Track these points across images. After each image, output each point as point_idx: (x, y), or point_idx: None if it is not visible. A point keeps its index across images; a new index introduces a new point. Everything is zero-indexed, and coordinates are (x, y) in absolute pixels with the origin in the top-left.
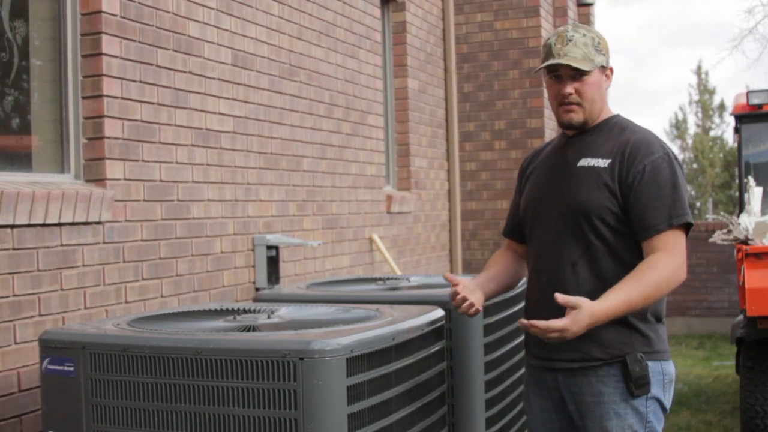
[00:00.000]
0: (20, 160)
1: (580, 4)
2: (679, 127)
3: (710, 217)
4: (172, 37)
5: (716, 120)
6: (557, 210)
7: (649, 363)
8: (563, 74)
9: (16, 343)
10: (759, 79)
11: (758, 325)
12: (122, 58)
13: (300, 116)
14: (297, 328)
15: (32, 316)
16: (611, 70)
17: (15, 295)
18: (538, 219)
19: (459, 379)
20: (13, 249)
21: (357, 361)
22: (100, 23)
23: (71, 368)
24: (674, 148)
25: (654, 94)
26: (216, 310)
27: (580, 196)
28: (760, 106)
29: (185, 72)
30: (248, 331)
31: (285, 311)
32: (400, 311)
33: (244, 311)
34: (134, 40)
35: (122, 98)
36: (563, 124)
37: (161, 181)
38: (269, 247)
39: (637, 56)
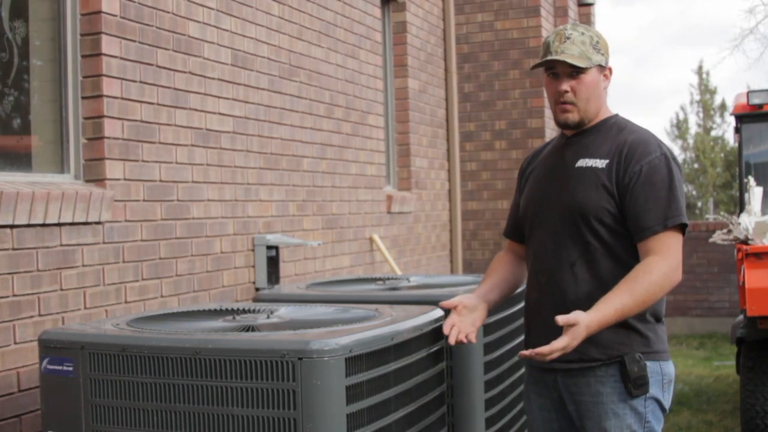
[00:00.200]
0: (20, 160)
1: (580, 4)
2: (680, 127)
3: (711, 217)
4: (172, 37)
5: (717, 120)
6: (556, 210)
7: (648, 363)
8: (560, 72)
9: (15, 343)
10: (760, 79)
11: (758, 325)
12: (122, 59)
13: (300, 116)
14: (296, 328)
15: (32, 316)
16: (610, 70)
17: (15, 295)
18: (537, 219)
19: (458, 378)
20: (13, 249)
21: (356, 361)
22: (99, 23)
23: (70, 368)
24: (675, 148)
25: (655, 94)
26: (215, 310)
27: (577, 197)
28: (760, 106)
29: (185, 72)
30: (247, 331)
31: (284, 311)
32: (400, 311)
33: (244, 311)
34: (134, 41)
35: (122, 98)
36: (559, 124)
37: (161, 181)
38: (269, 247)
39: (639, 56)
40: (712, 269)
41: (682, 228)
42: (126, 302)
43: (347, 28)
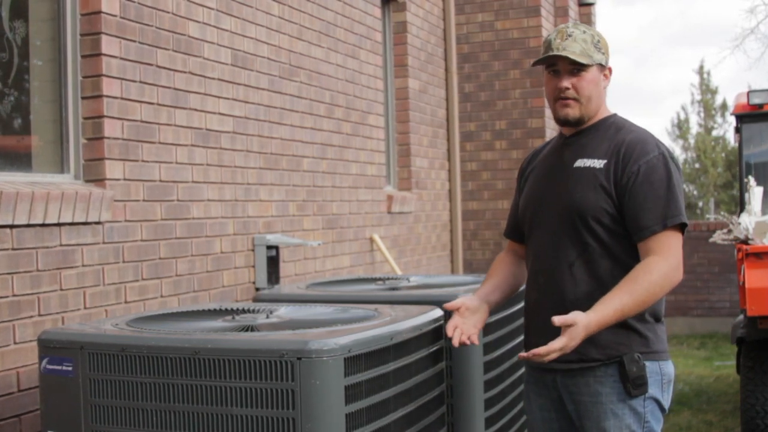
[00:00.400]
0: (20, 160)
1: (581, 4)
2: (681, 127)
3: (711, 217)
4: (172, 37)
5: (718, 120)
6: (554, 211)
7: (647, 363)
8: (561, 69)
9: (15, 343)
10: (761, 79)
11: (758, 324)
12: (122, 59)
13: (300, 116)
14: (295, 328)
15: (31, 316)
16: (610, 70)
17: (14, 295)
18: (536, 219)
19: (458, 378)
20: (13, 249)
21: (355, 361)
22: (99, 23)
23: (70, 368)
24: (676, 148)
25: (656, 94)
26: (215, 310)
27: (576, 197)
28: (760, 106)
29: (185, 72)
30: (247, 331)
31: (284, 311)
32: (399, 311)
33: (243, 311)
34: (134, 41)
35: (122, 98)
36: (559, 120)
37: (161, 181)
38: (269, 247)
39: (639, 56)
40: (712, 269)
41: (681, 227)
42: (126, 302)
43: (347, 28)
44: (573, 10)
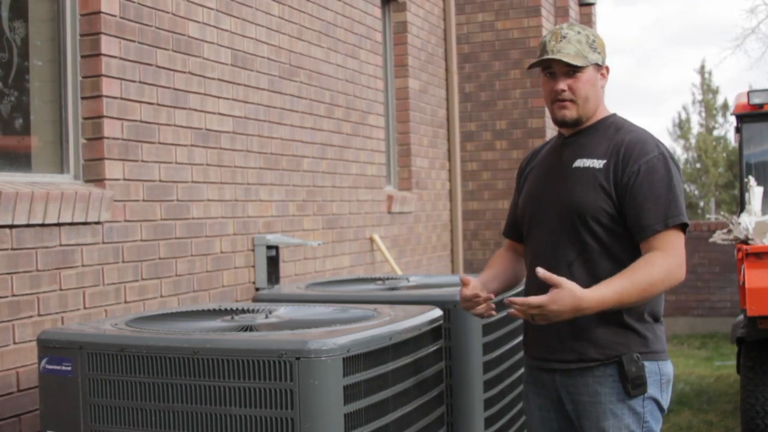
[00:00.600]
0: (19, 160)
1: (581, 4)
2: (682, 127)
3: (712, 216)
4: (172, 37)
5: (719, 119)
6: (553, 211)
7: (646, 363)
8: (557, 71)
9: (14, 343)
10: (762, 79)
11: (758, 324)
12: (121, 59)
13: (300, 116)
14: (294, 328)
15: (31, 316)
16: (607, 69)
17: (14, 295)
18: (535, 219)
19: (458, 378)
20: (12, 249)
21: (353, 361)
22: (99, 24)
23: (69, 368)
24: (677, 147)
25: (657, 94)
26: (214, 310)
27: (575, 197)
28: (761, 106)
29: (185, 72)
30: (246, 331)
31: (283, 311)
32: (398, 311)
33: (243, 311)
34: (133, 41)
35: (121, 98)
36: (557, 121)
37: (161, 181)
38: (269, 247)
39: (641, 56)
40: (713, 269)
41: (683, 227)
42: (125, 302)
43: (347, 28)
44: (573, 10)
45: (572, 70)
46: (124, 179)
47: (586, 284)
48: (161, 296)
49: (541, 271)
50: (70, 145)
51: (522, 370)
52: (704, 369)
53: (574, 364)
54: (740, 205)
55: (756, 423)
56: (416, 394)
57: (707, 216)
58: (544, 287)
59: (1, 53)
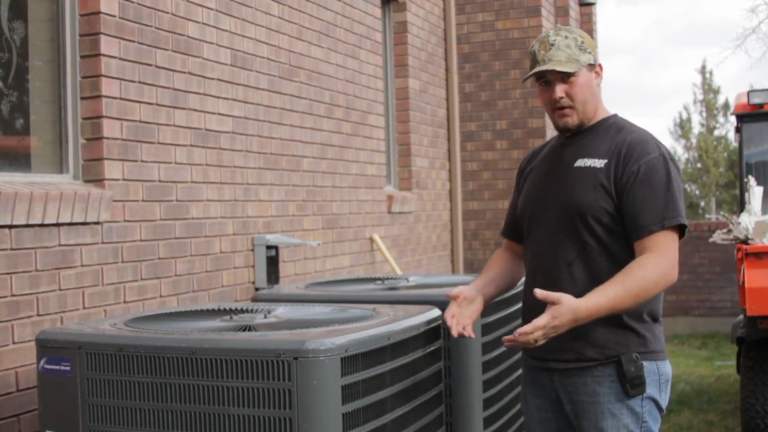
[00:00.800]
0: (19, 160)
1: (581, 4)
2: (683, 127)
3: (713, 216)
4: (171, 37)
5: (721, 119)
6: (553, 210)
7: (645, 363)
8: (551, 79)
9: (14, 342)
10: (763, 78)
11: (758, 324)
12: (121, 59)
13: (300, 116)
14: (292, 328)
15: (30, 316)
16: (600, 66)
17: (13, 295)
18: (534, 219)
19: (457, 378)
20: (11, 249)
21: (351, 361)
22: (98, 24)
23: (68, 368)
24: (678, 147)
25: (658, 94)
26: (213, 310)
27: (575, 197)
28: (761, 106)
29: (184, 72)
30: (244, 331)
31: (282, 311)
32: (397, 311)
33: (241, 311)
34: (133, 41)
35: (121, 99)
36: (559, 129)
37: (160, 181)
38: (269, 247)
39: (642, 56)
40: (714, 269)
41: (680, 229)
42: (125, 302)
43: (347, 28)
44: (574, 10)
45: (567, 76)
46: (124, 179)
47: (586, 284)
48: (160, 296)
49: (539, 294)
50: (69, 145)
51: (521, 371)
52: (705, 369)
53: (573, 364)
54: (740, 205)
55: (756, 423)
56: (415, 393)
57: (707, 216)
58: (543, 287)
59: (0, 53)
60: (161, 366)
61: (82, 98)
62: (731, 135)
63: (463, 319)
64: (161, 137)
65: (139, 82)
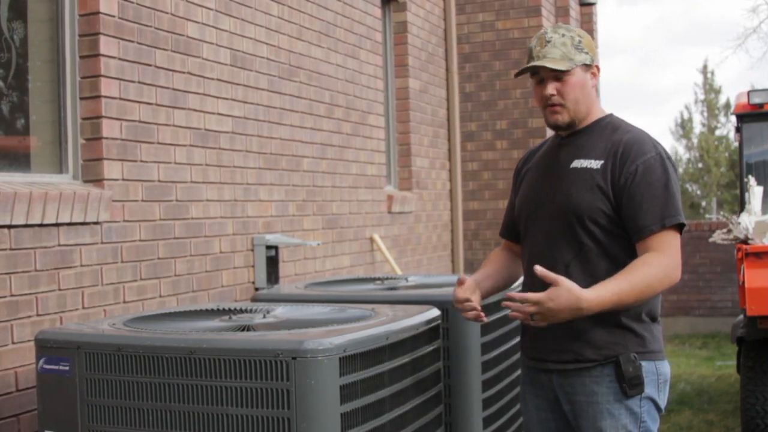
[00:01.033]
0: (18, 160)
1: (582, 4)
2: (684, 127)
3: (713, 216)
4: (171, 37)
5: (722, 119)
6: (550, 211)
7: (643, 363)
8: (544, 76)
9: (13, 342)
10: (765, 78)
11: (758, 324)
12: (120, 59)
13: (300, 116)
14: (291, 328)
15: (30, 316)
16: (597, 67)
17: (12, 295)
18: (531, 220)
19: (456, 378)
20: (11, 249)
21: (350, 361)
22: (98, 24)
23: (67, 368)
24: (679, 147)
25: (659, 94)
26: (212, 310)
27: (572, 198)
28: (761, 106)
29: (184, 72)
30: (243, 331)
31: (281, 311)
32: (396, 311)
33: (241, 311)
34: (132, 41)
35: (120, 99)
36: (550, 126)
37: (160, 181)
38: (269, 247)
39: (643, 56)
40: (714, 269)
41: (679, 228)
42: (124, 302)
43: (347, 28)
44: (574, 9)
45: (560, 74)
46: (123, 179)
47: (584, 285)
48: (160, 296)
49: (539, 269)
50: (68, 145)
51: (520, 371)
52: (705, 369)
53: (571, 364)
54: (740, 205)
55: (756, 423)
56: (414, 393)
57: (707, 216)
58: (541, 289)
59: (0, 53)
60: (160, 366)
61: (81, 98)
62: (732, 135)
63: (475, 304)
64: (161, 137)
65: (139, 82)
